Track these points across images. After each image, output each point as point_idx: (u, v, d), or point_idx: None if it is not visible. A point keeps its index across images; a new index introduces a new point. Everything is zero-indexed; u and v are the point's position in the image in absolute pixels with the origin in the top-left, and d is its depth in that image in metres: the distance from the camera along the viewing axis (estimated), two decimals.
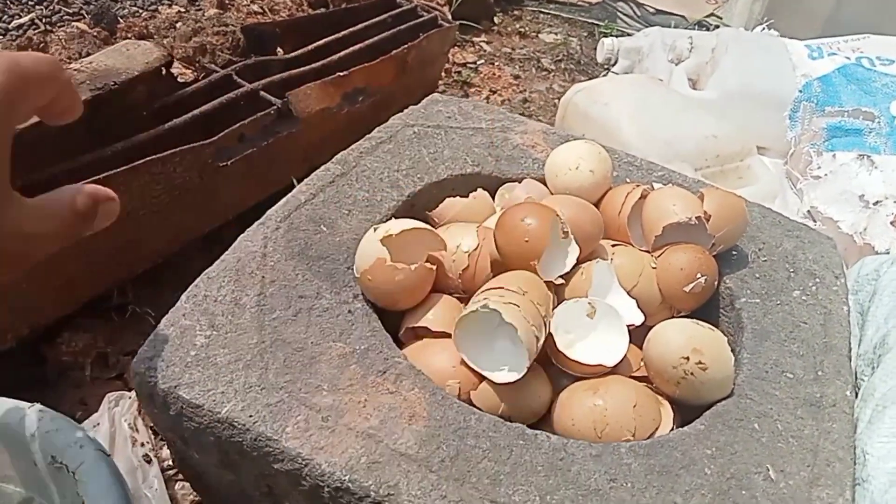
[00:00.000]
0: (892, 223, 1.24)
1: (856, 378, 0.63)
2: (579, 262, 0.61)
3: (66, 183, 0.83)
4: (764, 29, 1.73)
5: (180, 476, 0.75)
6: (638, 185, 0.67)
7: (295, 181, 1.17)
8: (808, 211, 1.36)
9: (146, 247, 1.01)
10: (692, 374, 0.53)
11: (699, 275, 0.60)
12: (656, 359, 0.55)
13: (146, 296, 1.06)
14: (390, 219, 0.64)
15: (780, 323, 0.61)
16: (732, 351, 0.60)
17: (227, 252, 0.58)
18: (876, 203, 1.27)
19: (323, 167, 0.68)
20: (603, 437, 0.51)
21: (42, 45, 1.31)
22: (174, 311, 0.52)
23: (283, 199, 0.64)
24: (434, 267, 0.57)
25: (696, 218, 0.62)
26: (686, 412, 0.56)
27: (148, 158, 0.92)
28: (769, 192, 1.35)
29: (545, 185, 0.71)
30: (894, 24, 1.74)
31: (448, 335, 0.55)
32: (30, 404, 0.53)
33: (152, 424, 0.74)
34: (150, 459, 0.73)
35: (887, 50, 1.53)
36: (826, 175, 1.39)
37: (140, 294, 1.06)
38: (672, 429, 0.53)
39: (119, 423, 0.75)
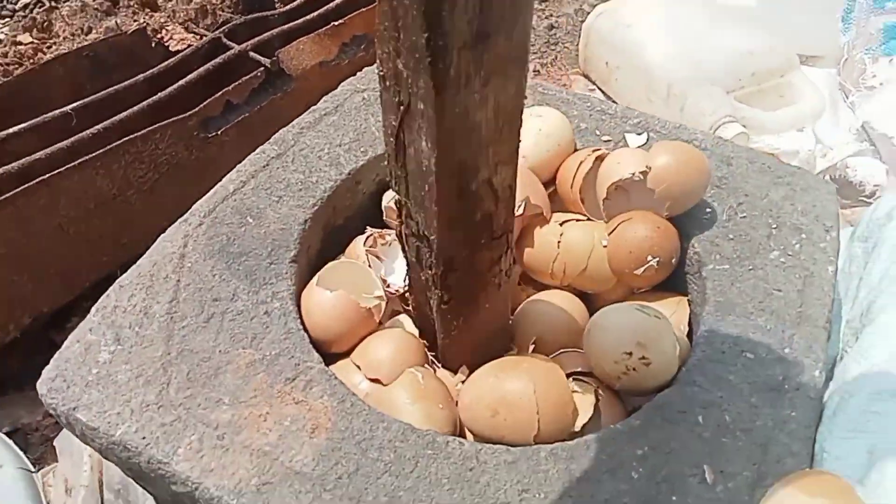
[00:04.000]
0: None
1: (842, 349, 0.56)
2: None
3: (42, 170, 0.84)
4: None
5: None
6: (594, 151, 0.61)
7: None
8: (862, 127, 1.22)
9: (141, 226, 1.01)
10: (634, 369, 0.49)
11: (650, 257, 0.54)
12: (597, 351, 0.50)
13: None
14: (325, 200, 0.61)
15: (748, 292, 0.54)
16: (691, 327, 0.55)
17: (143, 256, 0.56)
18: None
19: (259, 149, 0.65)
20: (506, 433, 0.47)
21: (46, 23, 1.31)
22: (81, 326, 0.52)
23: (212, 191, 0.61)
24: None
25: (639, 173, 0.55)
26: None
27: (124, 139, 0.92)
28: (812, 111, 1.21)
29: None
30: None
31: None
32: None
33: None
34: None
35: None
36: (881, 84, 1.24)
37: None
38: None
39: None
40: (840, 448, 0.44)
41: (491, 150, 0.41)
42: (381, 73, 0.39)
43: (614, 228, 0.57)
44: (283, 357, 0.50)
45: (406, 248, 0.49)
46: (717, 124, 1.13)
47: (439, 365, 0.56)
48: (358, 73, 0.74)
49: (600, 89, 1.37)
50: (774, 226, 0.59)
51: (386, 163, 0.44)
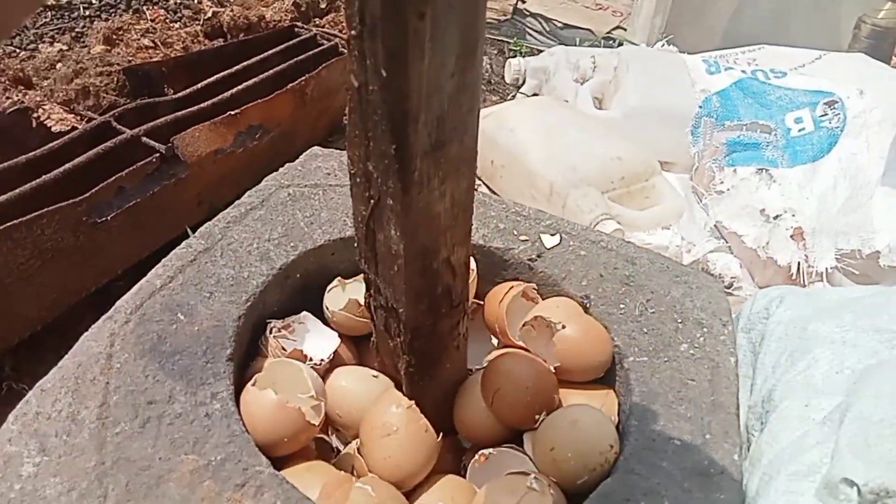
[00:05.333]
0: (791, 237, 1.26)
1: (748, 431, 0.62)
2: None
3: None
4: (664, 44, 1.76)
5: None
6: (518, 285, 0.66)
7: (189, 230, 1.12)
8: (715, 226, 1.38)
9: (19, 317, 0.93)
10: (608, 461, 0.52)
11: (537, 416, 0.57)
12: (575, 447, 0.53)
13: (26, 367, 0.98)
14: (258, 296, 0.60)
15: (667, 382, 0.59)
16: (622, 415, 0.59)
17: (66, 356, 0.52)
18: (776, 217, 1.30)
19: (185, 242, 0.63)
20: None
21: None
22: None
23: (137, 286, 0.58)
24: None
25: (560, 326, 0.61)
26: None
27: (7, 224, 0.85)
28: (675, 211, 1.36)
29: None
30: (787, 34, 1.80)
31: None
32: None
33: None
34: None
35: (780, 62, 1.58)
36: (728, 190, 1.41)
37: (19, 366, 0.98)
38: None
39: None
40: None
41: (448, 234, 0.46)
42: (352, 172, 0.45)
43: (492, 399, 0.58)
44: (230, 462, 0.48)
45: (374, 319, 0.55)
46: (596, 221, 1.24)
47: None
48: (281, 169, 0.75)
49: (486, 185, 1.45)
50: (679, 321, 0.65)
51: (356, 244, 0.50)
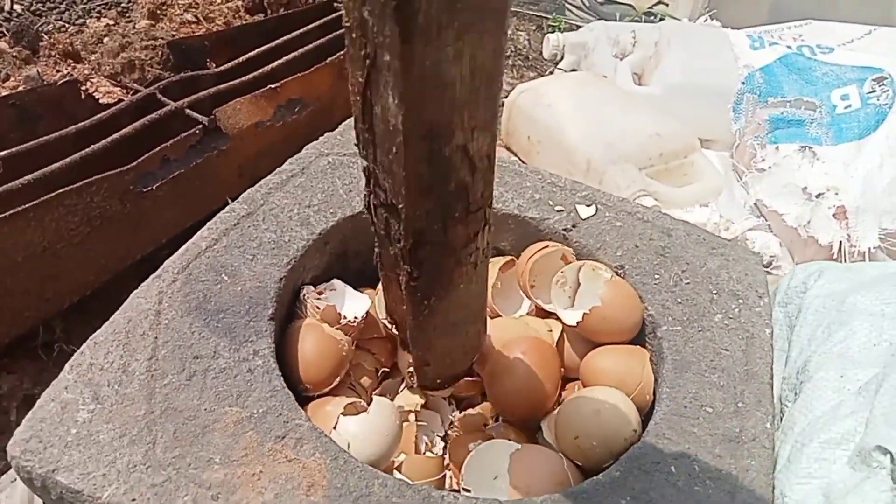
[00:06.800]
0: (834, 215, 1.24)
1: (781, 402, 0.62)
2: None
3: None
4: (706, 20, 1.72)
5: None
6: (555, 245, 0.66)
7: (230, 200, 1.14)
8: (755, 204, 1.36)
9: (69, 281, 0.97)
10: (632, 443, 0.54)
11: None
12: (605, 434, 0.55)
13: (76, 330, 1.02)
14: (298, 259, 0.62)
15: (700, 351, 0.60)
16: (655, 382, 0.59)
17: (117, 312, 0.54)
18: (818, 195, 1.27)
19: (228, 207, 0.65)
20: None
21: None
22: (56, 384, 0.49)
23: (183, 247, 0.60)
24: None
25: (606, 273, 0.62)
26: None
27: (60, 191, 0.88)
28: (714, 188, 1.34)
29: None
30: (836, 9, 1.74)
31: None
32: None
33: None
34: None
35: (827, 37, 1.53)
36: (770, 167, 1.38)
37: (69, 329, 1.02)
38: None
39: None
40: (798, 493, 0.48)
41: (466, 112, 0.36)
42: (347, 25, 0.35)
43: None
44: (271, 415, 0.50)
45: (375, 221, 0.45)
46: (633, 197, 1.23)
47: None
48: (321, 138, 0.76)
49: (522, 161, 1.45)
50: (715, 292, 0.65)
51: (354, 124, 0.40)
